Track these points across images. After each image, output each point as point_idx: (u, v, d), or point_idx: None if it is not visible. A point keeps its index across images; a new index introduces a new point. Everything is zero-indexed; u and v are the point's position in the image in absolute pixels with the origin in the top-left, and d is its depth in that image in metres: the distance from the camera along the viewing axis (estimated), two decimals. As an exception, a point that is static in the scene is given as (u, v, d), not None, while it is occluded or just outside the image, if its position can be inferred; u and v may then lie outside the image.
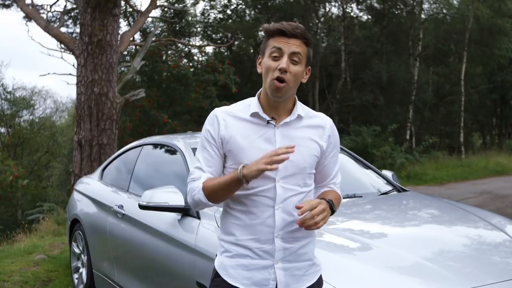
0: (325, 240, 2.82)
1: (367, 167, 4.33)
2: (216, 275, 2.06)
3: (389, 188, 4.02)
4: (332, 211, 2.00)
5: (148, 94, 14.10)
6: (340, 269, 2.51)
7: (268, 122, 2.02)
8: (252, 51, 25.13)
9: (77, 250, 4.95)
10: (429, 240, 2.95)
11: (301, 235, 2.02)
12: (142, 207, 3.24)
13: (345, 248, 2.77)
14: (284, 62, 1.94)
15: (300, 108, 2.08)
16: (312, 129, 2.08)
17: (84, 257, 4.76)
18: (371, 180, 4.11)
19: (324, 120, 2.13)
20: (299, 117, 2.05)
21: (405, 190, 4.06)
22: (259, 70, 2.06)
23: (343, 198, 3.39)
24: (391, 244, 2.82)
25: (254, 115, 2.03)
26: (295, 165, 2.00)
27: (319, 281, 2.11)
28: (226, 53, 22.76)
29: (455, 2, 23.08)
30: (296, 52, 1.96)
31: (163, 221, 3.41)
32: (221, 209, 3.00)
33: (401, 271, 2.54)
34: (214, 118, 2.06)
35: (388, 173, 4.33)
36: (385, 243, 2.85)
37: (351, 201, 3.65)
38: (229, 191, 1.98)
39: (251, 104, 2.06)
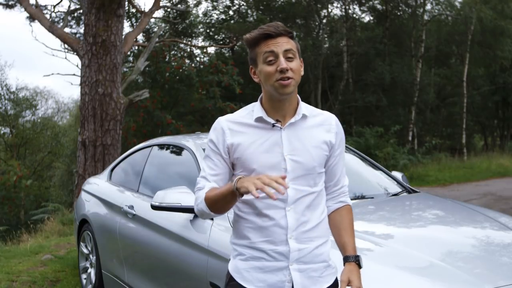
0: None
1: (377, 168, 4.34)
2: (230, 279, 2.04)
3: (399, 189, 4.02)
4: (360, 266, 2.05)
5: (151, 94, 14.11)
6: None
7: (273, 125, 1.99)
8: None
9: (85, 251, 4.95)
10: (444, 241, 2.94)
11: (316, 235, 2.01)
12: (154, 207, 3.25)
13: (360, 249, 2.76)
14: (282, 62, 1.92)
15: (304, 107, 2.06)
16: (319, 127, 2.06)
17: (92, 257, 4.76)
18: (381, 181, 4.11)
19: (329, 117, 2.11)
20: (304, 116, 2.03)
21: (415, 191, 4.06)
22: (256, 80, 2.03)
23: (354, 199, 3.41)
24: (407, 245, 2.82)
25: (259, 119, 2.01)
26: (304, 166, 1.99)
27: (335, 284, 2.07)
28: (228, 54, 22.76)
29: (457, 3, 23.13)
30: (288, 49, 1.94)
31: (175, 221, 3.41)
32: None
33: (418, 271, 2.54)
34: (218, 127, 2.04)
35: (397, 174, 4.33)
36: (400, 244, 2.85)
37: (362, 202, 3.64)
38: (227, 203, 1.94)
39: (254, 110, 2.04)
